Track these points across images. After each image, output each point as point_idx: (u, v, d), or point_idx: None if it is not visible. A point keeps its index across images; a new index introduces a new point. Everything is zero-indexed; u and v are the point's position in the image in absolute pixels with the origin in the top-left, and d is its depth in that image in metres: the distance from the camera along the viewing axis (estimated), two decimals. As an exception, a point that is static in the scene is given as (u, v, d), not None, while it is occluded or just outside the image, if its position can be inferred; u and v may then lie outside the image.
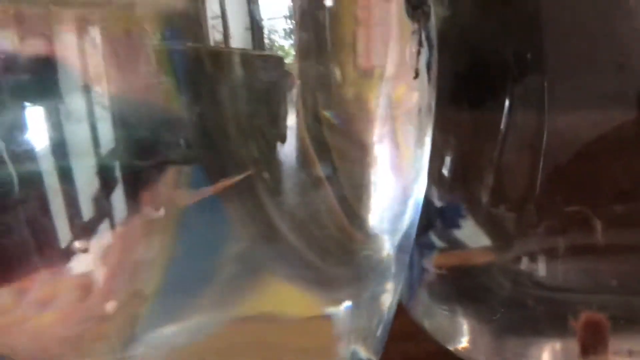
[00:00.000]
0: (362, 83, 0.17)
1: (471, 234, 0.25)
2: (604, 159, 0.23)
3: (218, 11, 0.14)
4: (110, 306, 0.15)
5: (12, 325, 0.16)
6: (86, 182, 0.14)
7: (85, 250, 0.15)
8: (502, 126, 0.23)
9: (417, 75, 0.17)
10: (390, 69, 0.16)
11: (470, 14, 0.24)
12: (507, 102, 0.23)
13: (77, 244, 0.15)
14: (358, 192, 0.17)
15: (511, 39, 0.23)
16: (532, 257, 0.24)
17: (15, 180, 0.14)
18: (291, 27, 0.15)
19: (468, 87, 0.23)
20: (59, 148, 0.14)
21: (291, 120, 0.15)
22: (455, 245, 0.25)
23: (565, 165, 0.23)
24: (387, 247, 0.18)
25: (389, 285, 0.18)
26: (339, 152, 0.17)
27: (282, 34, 0.15)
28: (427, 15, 0.17)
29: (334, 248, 0.17)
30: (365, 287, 0.18)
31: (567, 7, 0.22)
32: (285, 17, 0.15)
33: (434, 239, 0.25)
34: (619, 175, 0.23)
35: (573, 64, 0.23)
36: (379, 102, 0.17)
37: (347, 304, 0.17)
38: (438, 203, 0.25)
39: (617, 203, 0.23)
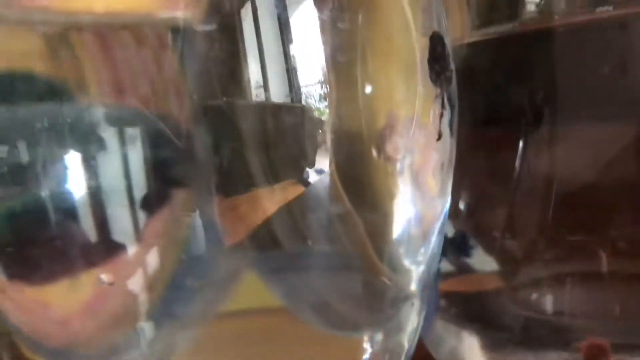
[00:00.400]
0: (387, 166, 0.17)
1: (480, 260, 0.25)
2: (608, 190, 0.23)
3: (260, 81, 0.15)
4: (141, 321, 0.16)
5: (39, 304, 0.16)
6: (115, 207, 0.15)
7: (112, 284, 0.15)
8: (517, 165, 0.23)
9: (440, 137, 0.17)
10: (415, 151, 0.17)
11: (486, 57, 0.24)
12: (521, 143, 0.23)
13: (104, 277, 0.15)
14: (383, 226, 0.17)
15: (526, 83, 0.23)
16: (539, 284, 0.24)
17: (48, 204, 0.15)
18: (326, 91, 0.15)
19: (484, 131, 0.24)
20: (90, 174, 0.15)
21: (323, 163, 0.16)
22: (463, 269, 0.25)
23: (570, 196, 0.23)
24: (413, 282, 0.18)
25: (413, 320, 0.19)
26: (364, 186, 0.17)
27: (317, 97, 0.15)
28: (449, 80, 0.17)
29: (361, 287, 0.17)
30: (391, 322, 0.18)
31: (579, 49, 0.23)
32: (320, 82, 0.15)
33: (444, 264, 0.25)
34: (622, 206, 0.23)
35: (582, 101, 0.23)
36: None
37: (372, 338, 0.18)
38: (450, 233, 0.25)
39: (621, 233, 0.23)
